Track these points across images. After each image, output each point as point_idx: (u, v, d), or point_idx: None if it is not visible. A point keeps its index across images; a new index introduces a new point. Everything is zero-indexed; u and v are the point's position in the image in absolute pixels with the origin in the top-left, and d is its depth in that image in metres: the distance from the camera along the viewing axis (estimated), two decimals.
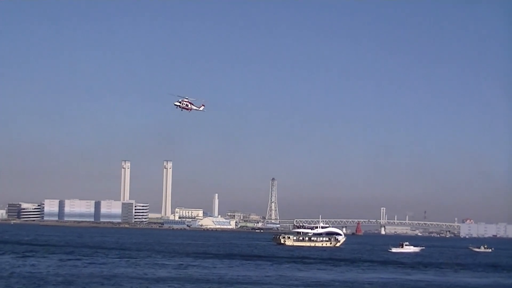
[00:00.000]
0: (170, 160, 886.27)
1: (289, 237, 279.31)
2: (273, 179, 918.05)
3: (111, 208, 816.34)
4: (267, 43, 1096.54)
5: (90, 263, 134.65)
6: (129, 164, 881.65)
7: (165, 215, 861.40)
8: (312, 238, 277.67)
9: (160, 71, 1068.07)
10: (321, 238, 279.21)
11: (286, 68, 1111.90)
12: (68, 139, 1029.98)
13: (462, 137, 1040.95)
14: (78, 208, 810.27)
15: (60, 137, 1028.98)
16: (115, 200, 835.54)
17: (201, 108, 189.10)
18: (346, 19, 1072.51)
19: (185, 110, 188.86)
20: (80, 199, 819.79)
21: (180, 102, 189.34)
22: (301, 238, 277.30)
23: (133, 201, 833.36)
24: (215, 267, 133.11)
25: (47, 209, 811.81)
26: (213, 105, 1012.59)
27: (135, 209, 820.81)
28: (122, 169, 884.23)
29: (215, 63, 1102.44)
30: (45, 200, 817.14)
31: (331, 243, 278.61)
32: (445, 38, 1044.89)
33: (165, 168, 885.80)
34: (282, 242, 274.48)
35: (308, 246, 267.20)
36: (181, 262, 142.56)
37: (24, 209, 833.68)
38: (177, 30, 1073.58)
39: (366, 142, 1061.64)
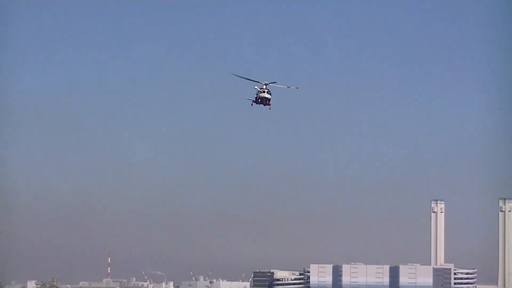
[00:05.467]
0: None
1: None
2: None
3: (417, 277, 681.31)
4: None
5: None
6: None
7: None
8: None
9: None
10: None
11: None
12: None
13: None
14: (362, 277, 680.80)
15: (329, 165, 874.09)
16: (422, 265, 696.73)
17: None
18: None
19: (265, 105, 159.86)
20: (366, 264, 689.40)
21: (262, 91, 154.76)
22: None
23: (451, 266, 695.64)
24: None
25: (313, 279, 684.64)
26: None
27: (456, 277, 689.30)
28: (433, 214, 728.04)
29: None
30: (311, 266, 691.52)
31: None
32: None
33: None
34: None
35: None
36: None
37: (278, 279, 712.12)
38: None
39: None
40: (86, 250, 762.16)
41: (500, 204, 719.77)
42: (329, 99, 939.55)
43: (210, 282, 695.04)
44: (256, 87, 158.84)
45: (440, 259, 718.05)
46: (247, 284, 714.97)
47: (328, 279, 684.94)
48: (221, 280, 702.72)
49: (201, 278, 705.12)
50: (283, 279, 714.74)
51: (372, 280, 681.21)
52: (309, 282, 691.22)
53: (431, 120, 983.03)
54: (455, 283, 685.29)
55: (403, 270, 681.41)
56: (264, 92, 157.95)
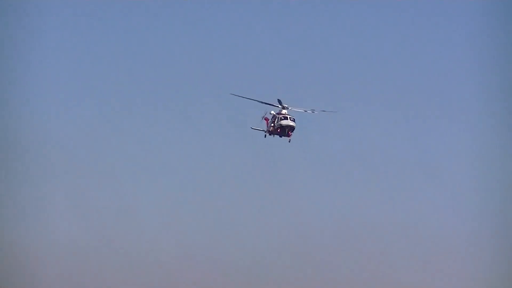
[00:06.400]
0: None
1: None
2: None
3: None
4: None
5: None
6: None
7: None
8: None
9: None
10: None
11: None
12: None
13: None
14: None
15: None
16: None
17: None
18: None
19: (283, 136, 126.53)
20: None
21: (283, 117, 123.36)
22: None
23: None
24: None
25: None
26: None
27: None
28: None
29: None
30: None
31: None
32: None
33: None
34: None
35: None
36: None
37: None
38: None
39: None
40: None
41: None
42: (378, 126, 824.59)
43: None
44: (272, 111, 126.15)
45: None
46: None
47: None
48: None
49: None
50: None
51: None
52: None
53: None
54: None
55: None
56: (286, 118, 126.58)
